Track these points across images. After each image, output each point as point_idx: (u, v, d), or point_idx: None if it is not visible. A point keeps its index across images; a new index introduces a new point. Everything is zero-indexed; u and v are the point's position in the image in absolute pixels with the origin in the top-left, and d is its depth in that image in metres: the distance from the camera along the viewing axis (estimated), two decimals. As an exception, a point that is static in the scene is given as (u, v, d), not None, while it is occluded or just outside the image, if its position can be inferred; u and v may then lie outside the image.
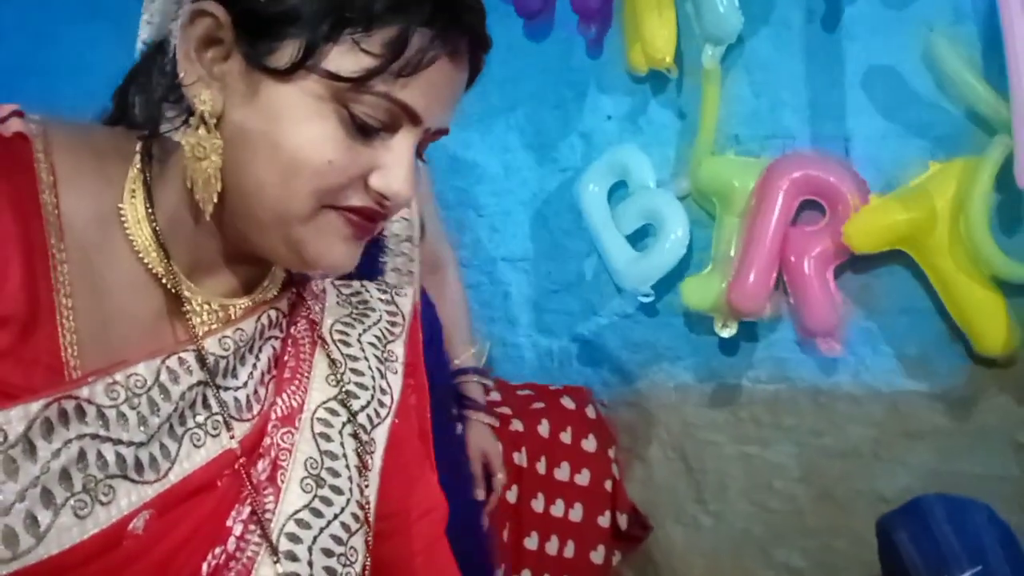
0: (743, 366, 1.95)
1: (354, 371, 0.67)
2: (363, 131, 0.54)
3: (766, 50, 1.78)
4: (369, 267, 1.31)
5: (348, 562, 0.60)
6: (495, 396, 1.64)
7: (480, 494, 1.45)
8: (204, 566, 0.55)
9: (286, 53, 0.52)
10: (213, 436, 0.57)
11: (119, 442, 0.51)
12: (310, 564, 0.58)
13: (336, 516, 0.61)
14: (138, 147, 0.58)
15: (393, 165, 0.56)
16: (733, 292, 1.74)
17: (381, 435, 0.66)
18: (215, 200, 0.54)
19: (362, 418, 0.65)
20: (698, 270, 1.89)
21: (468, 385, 1.47)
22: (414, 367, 0.75)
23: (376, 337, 0.71)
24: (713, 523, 2.05)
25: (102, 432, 0.50)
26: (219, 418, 0.57)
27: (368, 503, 0.63)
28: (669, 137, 1.94)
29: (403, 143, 0.56)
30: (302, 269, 0.60)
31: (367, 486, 0.64)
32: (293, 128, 0.53)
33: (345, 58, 0.52)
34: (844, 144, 1.73)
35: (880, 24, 1.66)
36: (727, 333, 1.82)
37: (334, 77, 0.52)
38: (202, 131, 0.53)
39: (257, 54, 0.53)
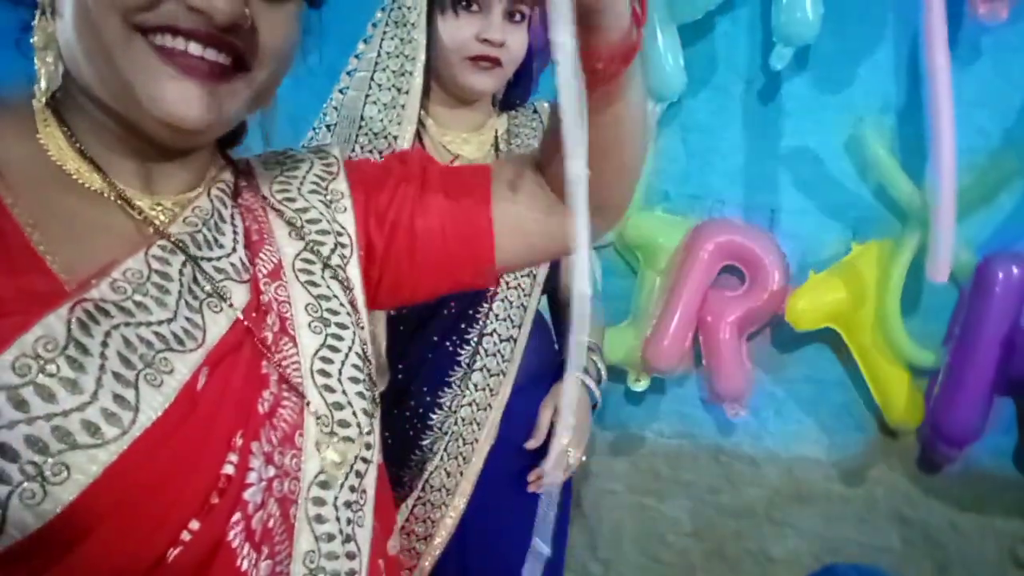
0: (648, 418, 1.97)
1: (310, 221, 0.69)
2: None
3: (703, 113, 1.81)
4: None
5: (369, 387, 0.66)
6: None
7: (532, 442, 1.21)
8: (259, 407, 0.59)
9: None
10: (226, 300, 0.60)
11: (150, 324, 0.55)
12: (344, 392, 0.63)
13: (350, 348, 0.65)
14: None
15: None
16: (649, 348, 1.75)
17: (354, 273, 0.70)
18: (58, 83, 0.57)
19: (335, 259, 0.69)
20: (614, 321, 1.89)
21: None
22: (360, 183, 0.75)
23: (315, 183, 0.72)
24: (602, 571, 2.05)
25: (131, 320, 0.54)
26: (225, 284, 0.61)
27: (366, 340, 0.68)
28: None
29: None
30: (156, 123, 0.56)
31: (359, 322, 0.68)
32: None
33: None
34: (770, 215, 1.78)
35: (813, 105, 1.73)
36: (640, 387, 1.83)
37: None
38: (44, 22, 0.55)
39: None
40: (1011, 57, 1.58)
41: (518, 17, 1.15)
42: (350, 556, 0.62)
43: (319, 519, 0.60)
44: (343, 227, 0.71)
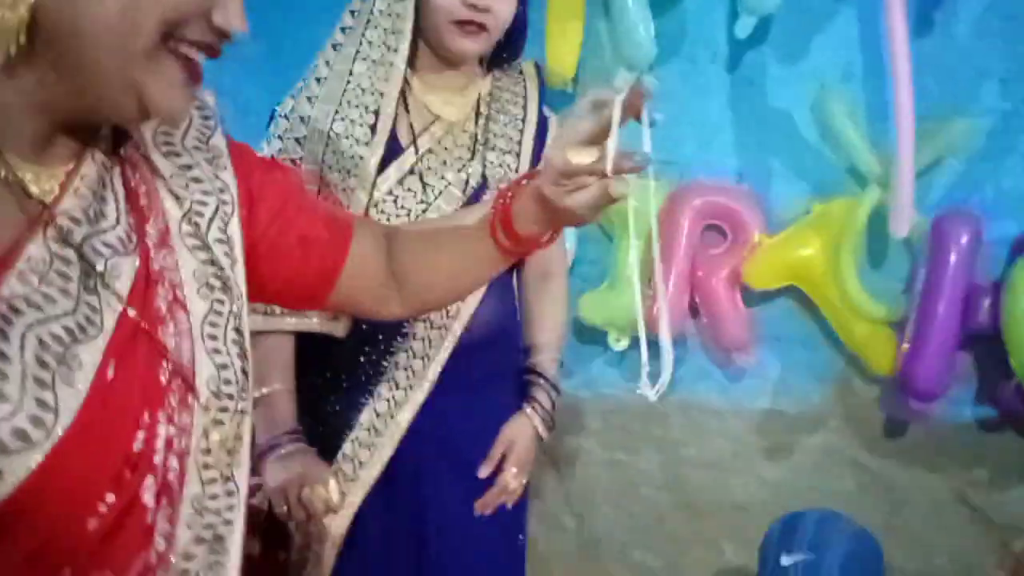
0: (620, 376, 2.04)
1: (194, 179, 0.70)
2: None
3: (671, 80, 1.87)
4: None
5: (244, 347, 0.70)
6: None
7: (482, 471, 1.33)
8: (161, 377, 0.63)
9: None
10: (118, 279, 0.61)
11: (58, 317, 0.56)
12: (228, 354, 0.68)
13: (230, 311, 0.69)
14: None
15: (228, 1, 0.58)
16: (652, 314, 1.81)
17: (235, 231, 0.72)
18: (12, 53, 0.53)
19: (217, 221, 0.70)
20: (589, 283, 1.95)
21: (537, 388, 1.38)
22: (241, 160, 0.76)
23: (197, 138, 0.73)
24: (576, 525, 2.14)
25: (42, 315, 0.55)
26: (114, 260, 0.61)
27: (243, 299, 0.71)
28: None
29: None
30: (137, 120, 0.60)
31: (238, 284, 0.71)
32: None
33: None
34: (736, 179, 1.86)
35: (776, 74, 1.81)
36: (621, 346, 1.91)
37: None
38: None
39: None
40: (958, 27, 1.68)
41: None
42: (229, 494, 0.68)
43: (205, 466, 0.66)
44: (225, 184, 0.73)
